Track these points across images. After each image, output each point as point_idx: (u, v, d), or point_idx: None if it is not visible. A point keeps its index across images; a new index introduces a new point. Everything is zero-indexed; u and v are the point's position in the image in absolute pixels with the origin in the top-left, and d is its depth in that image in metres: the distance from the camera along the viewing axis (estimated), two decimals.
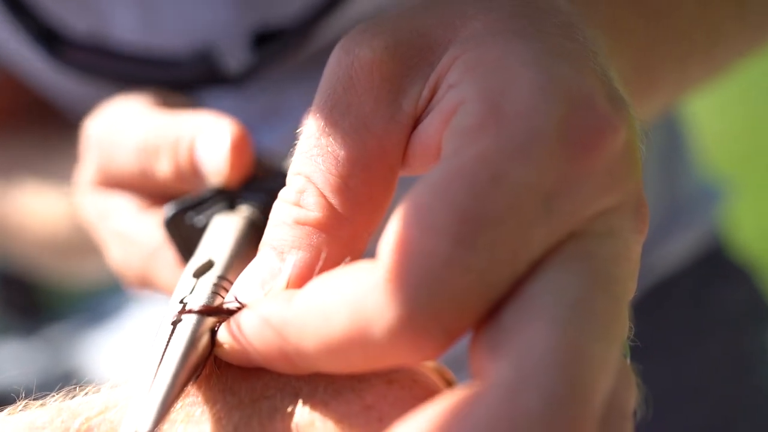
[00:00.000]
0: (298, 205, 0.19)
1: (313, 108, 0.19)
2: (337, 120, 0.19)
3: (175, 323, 0.18)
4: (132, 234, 0.27)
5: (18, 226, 0.43)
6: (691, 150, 0.48)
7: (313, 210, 0.19)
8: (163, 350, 0.18)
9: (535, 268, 0.16)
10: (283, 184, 0.20)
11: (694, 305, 0.46)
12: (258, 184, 0.25)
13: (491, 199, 0.15)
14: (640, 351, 0.47)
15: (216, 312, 0.19)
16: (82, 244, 0.39)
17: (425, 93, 0.19)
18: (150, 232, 0.27)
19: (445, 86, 0.18)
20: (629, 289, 0.17)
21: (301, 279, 0.18)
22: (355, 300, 0.16)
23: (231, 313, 0.18)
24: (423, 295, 0.15)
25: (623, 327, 0.16)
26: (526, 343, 0.15)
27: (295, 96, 0.34)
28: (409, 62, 0.19)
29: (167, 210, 0.25)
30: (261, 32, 0.30)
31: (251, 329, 0.17)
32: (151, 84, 0.31)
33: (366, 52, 0.19)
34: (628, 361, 0.17)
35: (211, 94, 0.34)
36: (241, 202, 0.25)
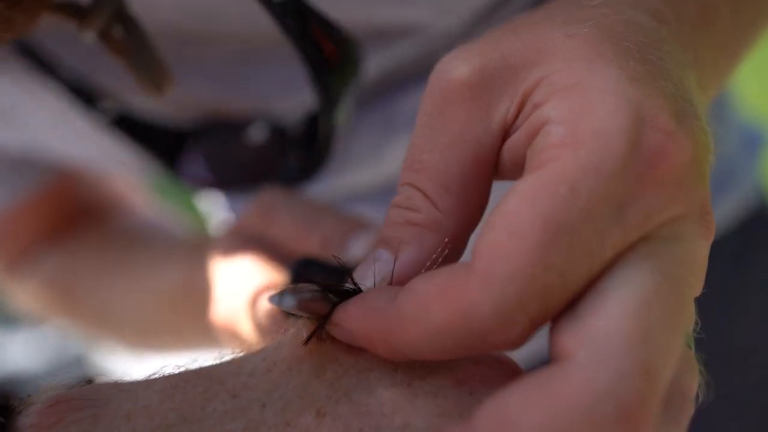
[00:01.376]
0: (408, 208, 0.21)
1: (415, 126, 0.22)
2: (435, 136, 0.21)
3: (294, 291, 0.21)
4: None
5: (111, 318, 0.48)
6: (732, 108, 0.47)
7: (421, 212, 0.21)
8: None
9: (610, 266, 0.18)
10: None
11: (740, 266, 0.45)
12: None
13: (569, 208, 0.17)
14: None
15: (335, 289, 0.21)
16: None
17: (512, 110, 0.21)
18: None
19: (530, 105, 0.20)
20: (695, 287, 0.19)
21: (410, 270, 0.21)
22: (453, 296, 0.18)
23: (348, 294, 0.21)
24: (511, 291, 0.17)
25: (688, 320, 0.18)
26: (603, 329, 0.17)
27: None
28: (497, 82, 0.21)
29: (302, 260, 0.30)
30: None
31: (360, 317, 0.20)
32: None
33: (457, 75, 0.21)
34: (692, 350, 0.20)
35: None
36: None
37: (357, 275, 0.22)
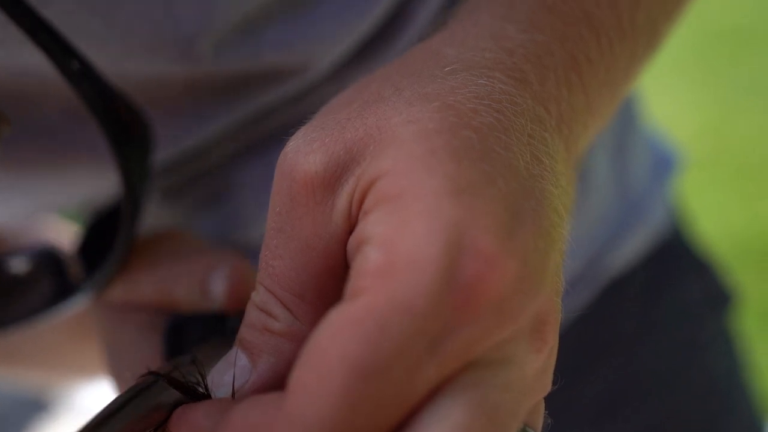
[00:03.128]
0: (266, 312, 0.21)
1: (267, 224, 0.21)
2: (286, 241, 0.21)
3: (138, 385, 0.20)
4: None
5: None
6: (644, 131, 0.47)
7: (278, 319, 0.21)
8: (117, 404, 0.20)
9: (429, 399, 0.18)
10: None
11: (651, 300, 0.46)
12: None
13: (377, 348, 0.17)
14: (600, 352, 0.46)
15: (180, 386, 0.21)
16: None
17: (353, 211, 0.20)
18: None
19: (362, 211, 0.20)
20: (521, 409, 0.19)
21: (267, 380, 0.21)
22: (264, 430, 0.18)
23: (195, 395, 0.21)
24: None
25: None
26: None
27: (230, 183, 0.35)
28: (340, 179, 0.20)
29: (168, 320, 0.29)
30: None
31: (181, 428, 0.20)
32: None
33: (302, 175, 0.20)
34: None
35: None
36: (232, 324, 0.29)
37: (214, 378, 0.21)
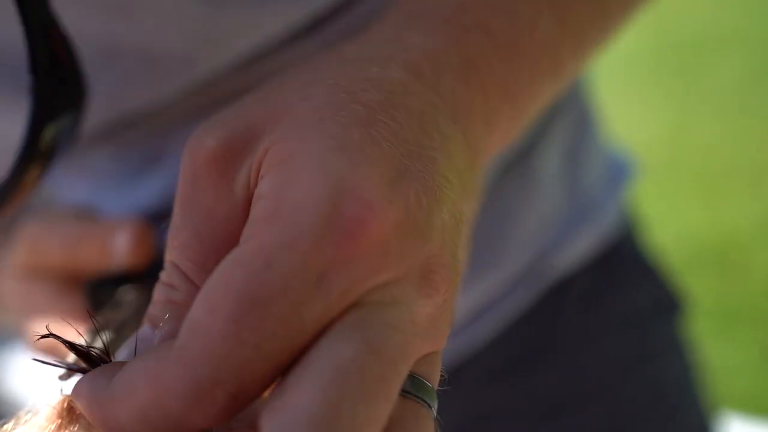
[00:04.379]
0: (169, 285, 0.22)
1: (175, 200, 0.22)
2: (189, 215, 0.22)
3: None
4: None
5: None
6: (599, 137, 0.48)
7: (180, 290, 0.21)
8: None
9: (317, 337, 0.18)
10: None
11: (596, 303, 0.46)
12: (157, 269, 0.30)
13: (263, 282, 0.18)
14: (542, 353, 0.47)
15: (77, 352, 0.21)
16: None
17: (251, 181, 0.21)
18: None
19: (258, 177, 0.21)
20: (411, 350, 0.19)
21: None
22: (155, 376, 0.18)
23: (92, 361, 0.21)
24: (205, 366, 0.17)
25: (392, 386, 0.18)
26: (290, 404, 0.17)
27: (175, 144, 0.36)
28: (240, 154, 0.21)
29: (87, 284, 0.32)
30: None
31: (84, 394, 0.20)
32: None
33: (203, 150, 0.21)
34: (434, 410, 0.20)
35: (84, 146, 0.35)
36: (140, 281, 0.31)
37: (119, 352, 0.22)
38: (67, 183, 0.41)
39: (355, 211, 0.18)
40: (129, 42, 0.31)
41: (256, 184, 0.21)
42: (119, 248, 0.31)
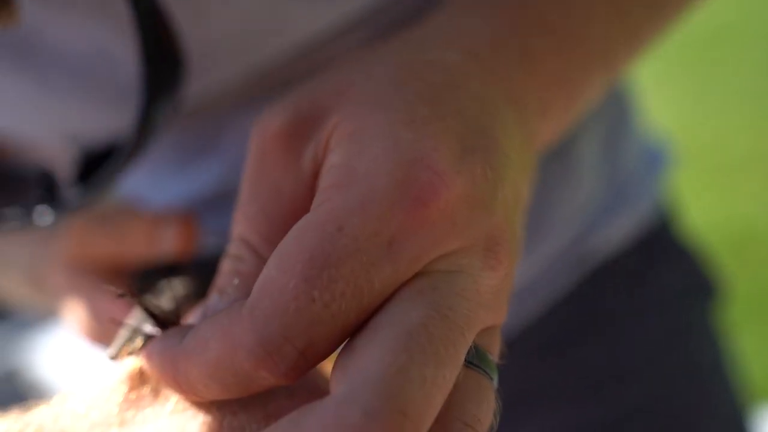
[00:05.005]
0: (236, 258, 0.22)
1: (243, 177, 0.23)
2: (257, 190, 0.22)
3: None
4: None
5: None
6: (636, 125, 0.49)
7: (248, 263, 0.22)
8: None
9: (386, 301, 0.18)
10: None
11: (636, 285, 0.47)
12: (204, 259, 0.32)
13: (335, 244, 0.18)
14: (585, 333, 0.47)
15: (150, 313, 0.21)
16: None
17: (319, 155, 0.21)
18: None
19: (327, 150, 0.21)
20: (475, 319, 0.19)
21: None
22: (227, 332, 0.18)
23: (163, 324, 0.21)
24: (276, 323, 0.18)
25: (459, 351, 0.18)
26: (362, 365, 0.17)
27: (231, 131, 0.36)
28: (307, 130, 0.22)
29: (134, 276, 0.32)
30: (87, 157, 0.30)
31: (156, 353, 0.20)
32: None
33: (272, 128, 0.22)
34: (495, 382, 0.20)
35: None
36: (187, 273, 0.31)
37: (188, 320, 0.22)
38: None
39: (425, 180, 0.19)
40: (192, 28, 0.31)
41: (324, 159, 0.21)
42: (166, 240, 0.32)
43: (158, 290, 0.30)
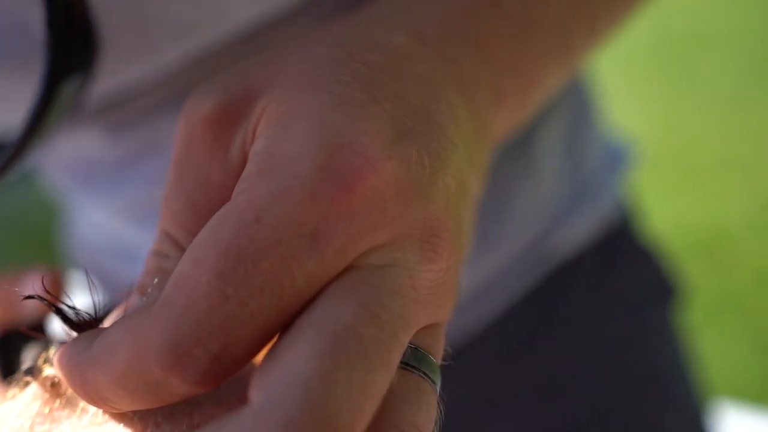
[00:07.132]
0: (160, 254, 0.20)
1: (169, 166, 0.21)
2: (183, 181, 0.20)
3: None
4: None
5: None
6: (598, 124, 0.48)
7: (170, 258, 0.20)
8: None
9: (313, 300, 0.17)
10: None
11: (597, 286, 0.46)
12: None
13: (253, 236, 0.16)
14: (546, 334, 0.47)
15: (63, 317, 0.20)
16: None
17: (248, 142, 0.20)
18: None
19: (255, 136, 0.19)
20: (411, 317, 0.18)
21: None
22: (136, 334, 0.17)
23: (77, 326, 0.20)
24: (186, 322, 0.16)
25: (391, 354, 0.17)
26: (283, 370, 0.15)
27: (171, 129, 0.34)
28: (237, 116, 0.20)
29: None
30: None
31: (64, 359, 0.18)
32: None
33: (201, 112, 0.20)
34: (437, 386, 0.18)
35: (76, 129, 0.33)
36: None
37: (107, 321, 0.20)
38: (62, 169, 0.40)
39: (351, 164, 0.17)
40: (125, 5, 0.29)
41: (251, 146, 0.19)
42: (26, 301, 0.28)
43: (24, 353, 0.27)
